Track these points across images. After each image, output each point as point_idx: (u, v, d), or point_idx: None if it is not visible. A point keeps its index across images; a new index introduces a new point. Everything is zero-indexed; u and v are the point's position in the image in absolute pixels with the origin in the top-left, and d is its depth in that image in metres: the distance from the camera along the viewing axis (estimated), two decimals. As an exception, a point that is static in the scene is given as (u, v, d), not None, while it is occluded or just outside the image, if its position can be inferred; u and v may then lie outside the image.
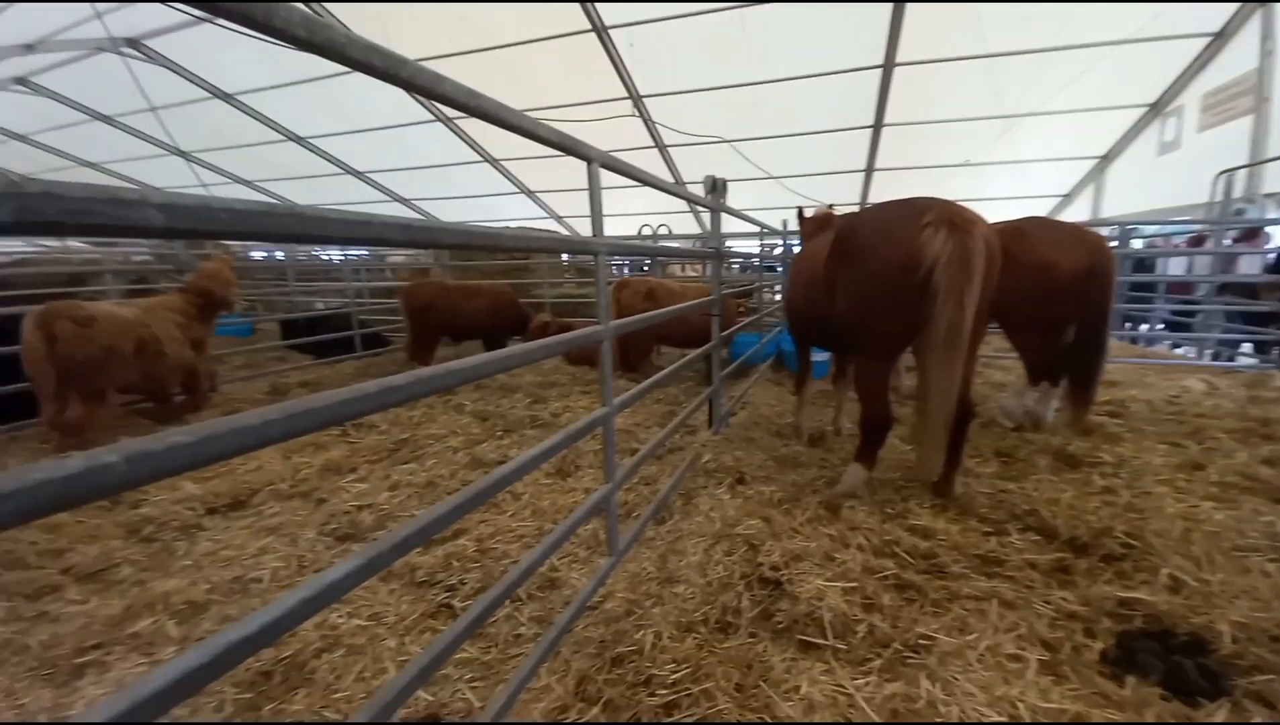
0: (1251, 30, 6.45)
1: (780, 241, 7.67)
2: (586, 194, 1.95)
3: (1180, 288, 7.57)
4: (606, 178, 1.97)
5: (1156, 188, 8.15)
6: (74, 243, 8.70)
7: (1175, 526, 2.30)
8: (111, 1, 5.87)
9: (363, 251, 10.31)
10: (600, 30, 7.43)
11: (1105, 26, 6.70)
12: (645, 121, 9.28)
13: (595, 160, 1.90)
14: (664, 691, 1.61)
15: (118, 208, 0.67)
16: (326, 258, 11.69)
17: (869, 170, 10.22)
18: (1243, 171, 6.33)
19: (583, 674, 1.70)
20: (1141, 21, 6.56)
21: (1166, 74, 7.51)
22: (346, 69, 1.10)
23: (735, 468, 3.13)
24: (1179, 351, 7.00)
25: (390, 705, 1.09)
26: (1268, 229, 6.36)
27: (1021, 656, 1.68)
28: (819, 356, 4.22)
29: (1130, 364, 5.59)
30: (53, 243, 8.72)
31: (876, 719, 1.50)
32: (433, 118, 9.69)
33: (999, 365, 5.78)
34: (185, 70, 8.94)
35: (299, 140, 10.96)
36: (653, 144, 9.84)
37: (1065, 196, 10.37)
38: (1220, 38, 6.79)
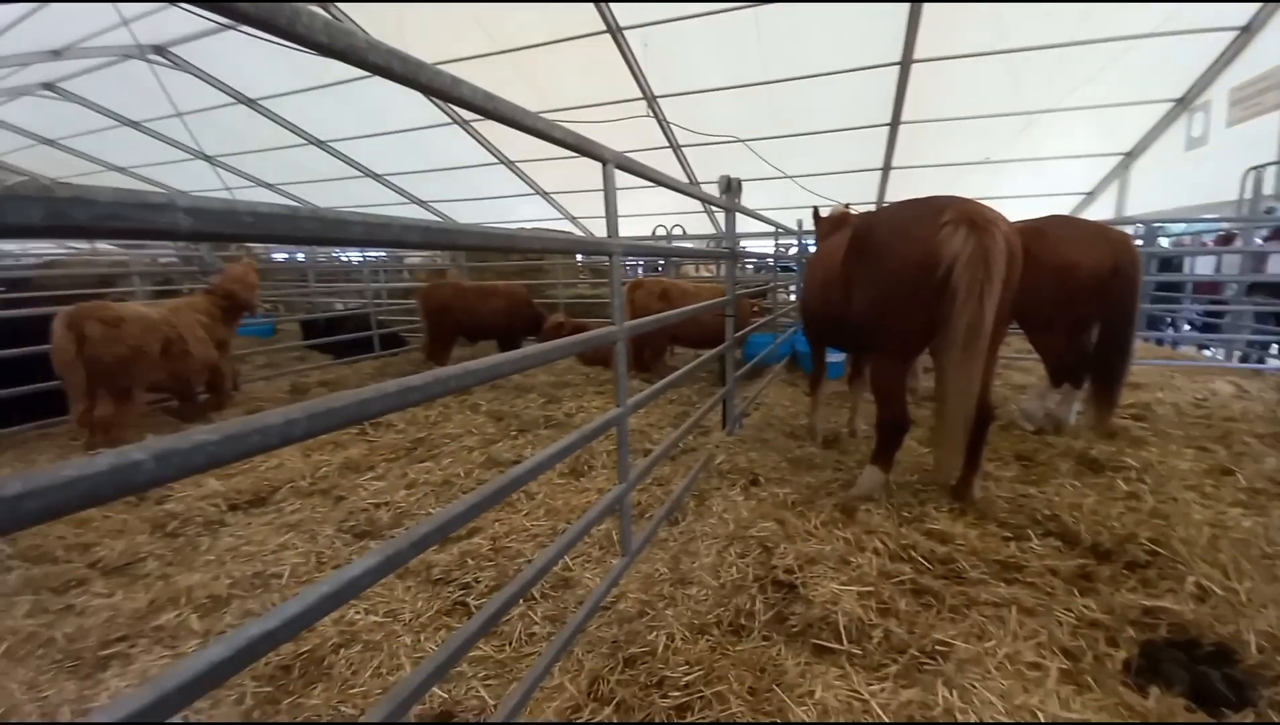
0: (1278, 24, 6.27)
1: (795, 241, 7.62)
2: (601, 195, 1.96)
3: (1208, 288, 7.39)
4: (621, 178, 1.98)
5: (1183, 185, 7.95)
6: (102, 245, 8.92)
7: (1202, 533, 2.24)
8: (139, 1, 6.01)
9: (381, 253, 10.44)
10: (615, 31, 7.44)
11: (1128, 21, 6.56)
12: (660, 122, 9.27)
13: (610, 161, 1.91)
14: (676, 693, 1.61)
15: (147, 212, 0.68)
16: (346, 259, 11.87)
17: (886, 168, 10.10)
18: (1273, 168, 6.14)
19: (595, 674, 1.71)
20: (1159, 19, 6.42)
21: (1193, 68, 7.32)
22: (365, 74, 1.12)
23: (749, 469, 3.11)
24: (1206, 353, 6.83)
25: (406, 702, 1.10)
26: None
27: (1042, 665, 1.65)
28: (834, 357, 4.19)
29: (1156, 366, 5.46)
30: (82, 245, 8.96)
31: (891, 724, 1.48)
32: (450, 120, 9.78)
33: (1020, 367, 5.68)
34: (210, 76, 9.13)
35: (319, 144, 11.13)
36: (667, 144, 9.83)
37: (1088, 194, 10.16)
38: (1247, 32, 6.62)
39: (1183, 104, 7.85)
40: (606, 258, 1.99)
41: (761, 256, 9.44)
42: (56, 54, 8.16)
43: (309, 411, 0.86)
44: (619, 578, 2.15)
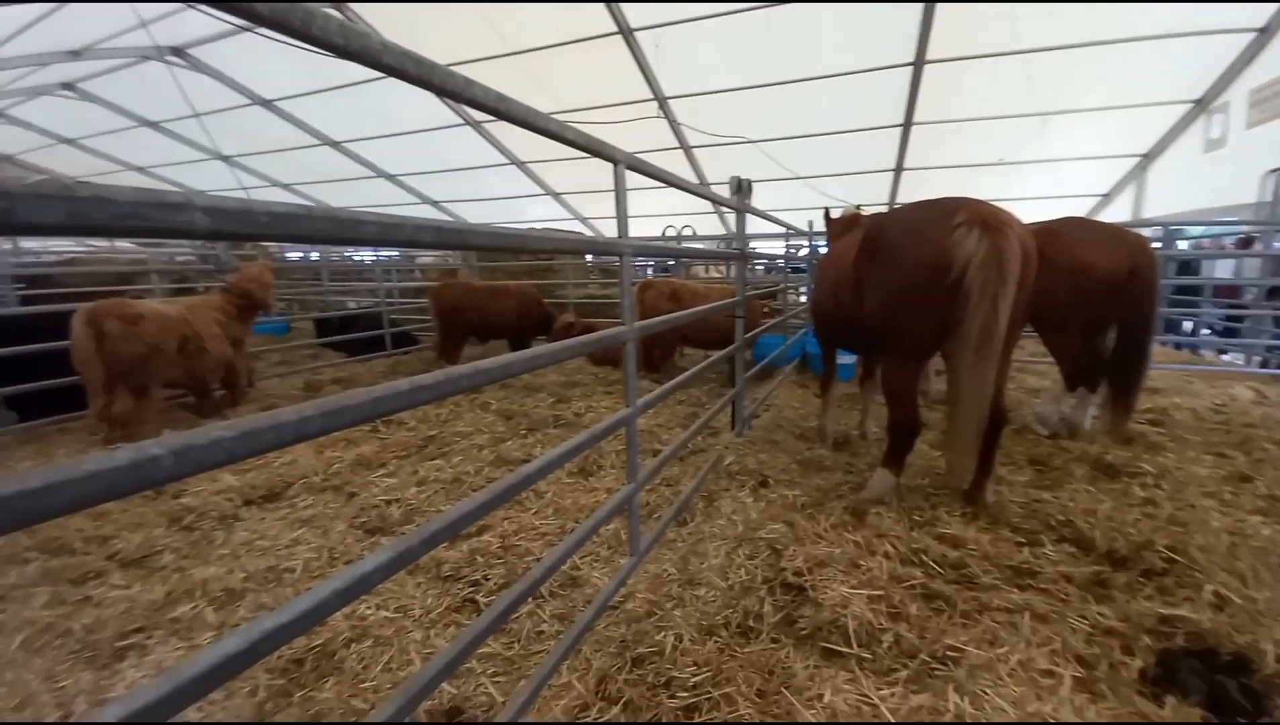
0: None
1: (806, 242, 7.59)
2: (611, 195, 1.97)
3: (1227, 291, 7.25)
4: (631, 179, 1.98)
5: (1202, 187, 7.82)
6: (121, 243, 9.07)
7: (1221, 541, 2.20)
8: (158, 1, 6.10)
9: (393, 253, 10.52)
10: (626, 33, 7.45)
11: (1143, 21, 6.47)
12: (670, 123, 9.27)
13: (621, 162, 1.91)
14: (684, 694, 1.61)
15: (165, 211, 0.70)
16: (358, 259, 11.98)
17: (898, 170, 10.03)
18: (1294, 170, 6.02)
19: (603, 673, 1.71)
20: (1175, 20, 6.33)
21: (1212, 69, 7.21)
22: (379, 75, 1.13)
23: (758, 471, 3.10)
24: (1226, 358, 6.71)
25: (416, 697, 1.11)
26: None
27: (1055, 672, 1.63)
28: (845, 359, 4.16)
29: (1174, 370, 5.38)
30: (101, 243, 9.11)
31: (902, 729, 1.47)
32: (461, 122, 9.85)
33: (1034, 370, 5.62)
34: (227, 78, 9.26)
35: (334, 144, 11.25)
36: (677, 145, 9.83)
37: (1105, 196, 10.02)
38: (1265, 33, 6.52)
39: (1201, 105, 7.73)
40: (616, 258, 1.99)
41: (772, 258, 9.41)
42: (76, 54, 8.31)
43: (322, 409, 0.87)
44: (627, 577, 2.16)
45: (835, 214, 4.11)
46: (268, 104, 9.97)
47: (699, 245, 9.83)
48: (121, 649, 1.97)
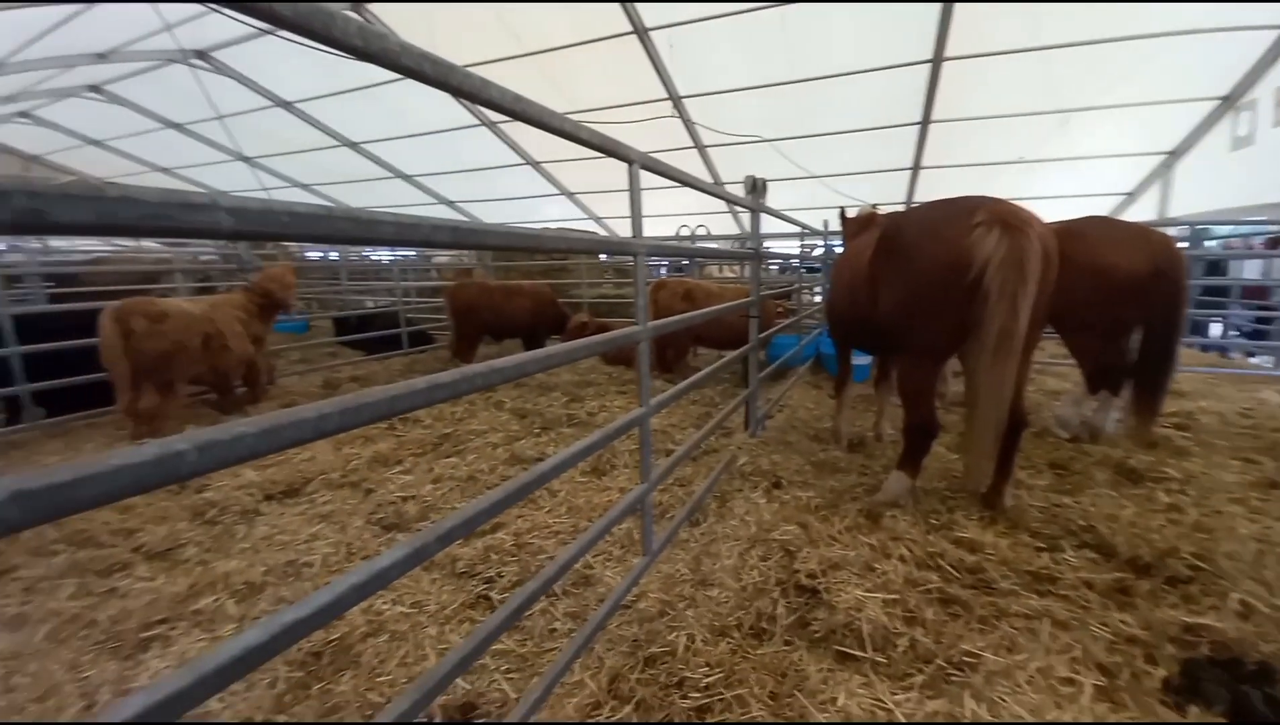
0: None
1: (821, 242, 7.53)
2: (625, 195, 1.97)
3: (1256, 292, 7.07)
4: (645, 179, 1.98)
5: (1229, 185, 7.61)
6: (146, 242, 9.28)
7: (1248, 548, 2.15)
8: (181, 2, 6.23)
9: (410, 252, 10.63)
10: (641, 32, 7.44)
11: (1167, 17, 6.32)
12: (684, 122, 9.25)
13: (636, 162, 1.91)
14: (697, 695, 1.61)
15: (191, 212, 0.71)
16: (376, 258, 12.13)
17: (915, 168, 9.90)
18: (1328, 168, 5.86)
19: (616, 672, 1.71)
20: (1199, 17, 6.17)
21: (1239, 66, 7.01)
22: (397, 77, 1.14)
23: (772, 472, 3.09)
24: (1254, 360, 6.54)
25: (432, 692, 1.12)
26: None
27: (1075, 680, 1.60)
28: (860, 360, 4.12)
29: (1200, 373, 5.25)
30: (127, 242, 9.32)
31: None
32: (477, 122, 9.92)
33: (1055, 372, 5.52)
34: (249, 80, 9.42)
35: (353, 145, 11.39)
36: (692, 144, 9.80)
37: (1129, 195, 9.80)
38: (1290, 31, 6.33)
39: (1228, 102, 7.53)
40: (631, 258, 1.99)
41: (787, 257, 9.35)
42: (102, 57, 8.50)
43: (341, 406, 0.88)
44: (640, 577, 2.16)
45: (851, 213, 4.08)
46: (288, 106, 10.13)
47: (713, 245, 9.81)
48: (146, 640, 2.02)
